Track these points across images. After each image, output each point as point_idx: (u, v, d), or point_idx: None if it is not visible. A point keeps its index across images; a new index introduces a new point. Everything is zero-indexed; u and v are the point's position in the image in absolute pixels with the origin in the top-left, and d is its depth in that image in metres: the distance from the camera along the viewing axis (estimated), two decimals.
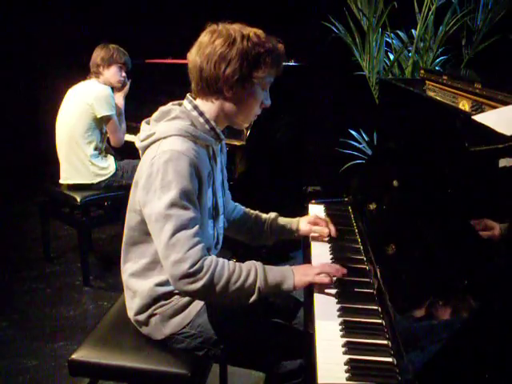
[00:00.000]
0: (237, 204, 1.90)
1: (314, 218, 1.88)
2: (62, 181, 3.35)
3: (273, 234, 1.86)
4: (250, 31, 1.47)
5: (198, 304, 1.58)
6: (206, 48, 1.45)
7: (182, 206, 1.39)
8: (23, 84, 4.82)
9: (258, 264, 1.47)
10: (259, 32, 1.49)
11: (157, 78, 4.08)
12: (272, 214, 1.89)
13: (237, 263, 1.45)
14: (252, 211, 1.91)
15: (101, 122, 3.30)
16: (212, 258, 1.41)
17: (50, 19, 4.72)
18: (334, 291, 1.49)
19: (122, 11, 4.61)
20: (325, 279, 1.49)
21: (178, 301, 1.57)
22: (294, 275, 1.47)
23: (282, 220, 1.89)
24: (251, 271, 1.43)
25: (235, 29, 1.47)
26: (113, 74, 3.40)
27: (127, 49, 3.50)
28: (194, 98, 1.55)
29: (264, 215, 1.90)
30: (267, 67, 1.47)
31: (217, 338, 1.55)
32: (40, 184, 3.58)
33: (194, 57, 1.48)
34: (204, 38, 1.48)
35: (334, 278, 1.51)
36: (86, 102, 3.23)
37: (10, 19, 4.70)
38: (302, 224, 1.87)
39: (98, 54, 3.37)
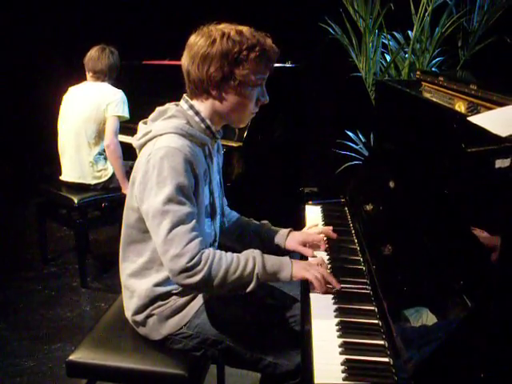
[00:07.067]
0: (232, 211, 1.88)
1: (306, 237, 1.77)
2: (62, 177, 3.34)
3: (262, 243, 1.79)
4: (232, 29, 1.46)
5: (196, 305, 1.58)
6: (190, 50, 1.49)
7: (178, 202, 1.40)
8: (22, 84, 4.81)
9: (257, 252, 1.48)
10: (244, 29, 1.48)
11: (154, 79, 4.08)
12: (263, 223, 1.84)
13: (234, 253, 1.46)
14: (245, 218, 1.87)
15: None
16: (209, 250, 1.43)
17: (50, 19, 4.72)
18: (330, 292, 1.49)
19: (120, 12, 4.60)
20: (321, 287, 1.47)
21: (175, 301, 1.58)
22: (293, 266, 1.49)
23: (271, 230, 1.80)
24: (249, 259, 1.45)
25: (217, 28, 1.47)
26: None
27: (125, 49, 3.49)
28: (191, 98, 1.56)
29: (255, 223, 1.84)
30: (251, 64, 1.46)
31: (214, 338, 1.56)
32: (37, 185, 3.58)
33: (183, 59, 1.52)
34: (190, 40, 1.51)
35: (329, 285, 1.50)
36: (99, 104, 3.19)
37: (10, 19, 4.69)
38: (291, 242, 1.77)
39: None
